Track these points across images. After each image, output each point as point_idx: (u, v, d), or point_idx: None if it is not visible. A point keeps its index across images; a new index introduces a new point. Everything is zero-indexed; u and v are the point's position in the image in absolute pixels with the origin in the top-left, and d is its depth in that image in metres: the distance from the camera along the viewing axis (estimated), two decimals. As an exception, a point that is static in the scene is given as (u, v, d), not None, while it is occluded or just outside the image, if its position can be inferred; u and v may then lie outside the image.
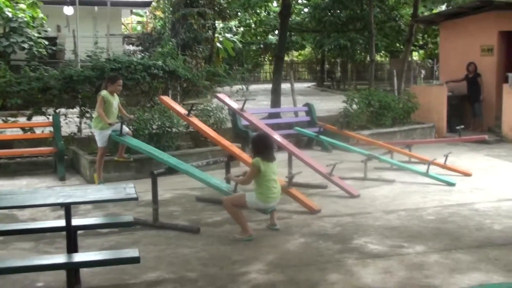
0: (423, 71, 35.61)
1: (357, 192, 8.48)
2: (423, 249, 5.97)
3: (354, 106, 13.40)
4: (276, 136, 8.88)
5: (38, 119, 11.57)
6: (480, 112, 14.86)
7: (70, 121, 11.69)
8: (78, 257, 4.28)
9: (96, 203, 7.67)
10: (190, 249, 6.15)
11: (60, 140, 10.40)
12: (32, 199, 4.42)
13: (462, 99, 15.19)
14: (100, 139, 8.14)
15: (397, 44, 34.34)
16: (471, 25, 15.22)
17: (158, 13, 28.37)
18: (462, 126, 11.86)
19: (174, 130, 10.78)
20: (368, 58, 37.55)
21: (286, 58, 46.84)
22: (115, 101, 8.11)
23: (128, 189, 4.66)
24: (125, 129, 8.23)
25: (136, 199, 4.55)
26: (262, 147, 6.52)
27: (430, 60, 38.81)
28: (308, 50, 47.09)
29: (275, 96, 14.78)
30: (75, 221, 4.96)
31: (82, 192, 4.55)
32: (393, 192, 8.74)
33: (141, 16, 35.82)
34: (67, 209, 4.33)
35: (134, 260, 4.28)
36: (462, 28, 15.46)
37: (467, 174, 9.81)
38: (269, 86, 32.14)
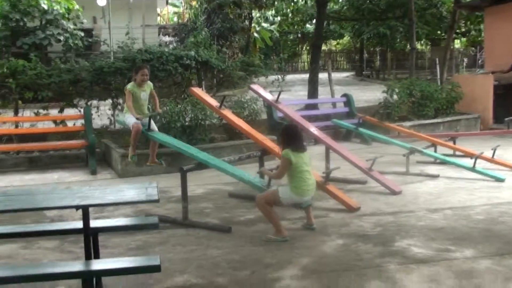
0: (465, 59, 34.61)
1: (398, 188, 8.00)
2: (473, 253, 5.48)
3: (395, 97, 12.82)
4: (313, 128, 8.45)
5: (69, 111, 11.38)
6: (528, 101, 14.13)
7: (102, 113, 11.46)
8: (95, 265, 3.94)
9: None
10: (220, 250, 5.78)
11: (91, 133, 10.17)
12: (46, 200, 4.10)
13: (509, 89, 14.45)
14: (129, 118, 7.63)
15: (438, 32, 33.42)
16: (518, 10, 14.49)
17: (194, 3, 28.05)
18: (511, 118, 11.20)
19: (207, 122, 10.44)
20: (408, 46, 37.07)
21: (323, 47, 46.20)
22: (144, 92, 7.69)
23: (150, 189, 4.30)
24: (152, 124, 7.82)
25: (157, 201, 4.20)
26: (291, 138, 6.15)
27: (473, 48, 37.70)
28: (346, 39, 46.32)
29: (312, 86, 14.35)
30: (95, 223, 4.64)
31: (101, 193, 4.21)
32: (437, 188, 8.23)
33: (177, 6, 35.62)
34: (85, 211, 4.00)
35: (155, 269, 3.93)
36: (509, 13, 14.70)
37: (517, 169, 9.22)
38: (306, 76, 31.69)
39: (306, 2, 35.93)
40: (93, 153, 9.96)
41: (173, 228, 6.60)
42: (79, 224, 4.45)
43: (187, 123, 10.25)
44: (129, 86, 7.58)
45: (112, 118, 11.55)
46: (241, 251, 5.73)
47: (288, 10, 36.79)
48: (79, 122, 10.87)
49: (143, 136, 8.23)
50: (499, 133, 11.44)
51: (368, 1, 31.00)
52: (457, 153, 10.47)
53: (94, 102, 11.44)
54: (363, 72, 35.78)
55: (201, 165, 6.85)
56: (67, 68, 10.85)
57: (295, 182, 6.06)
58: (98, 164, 10.18)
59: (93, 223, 4.57)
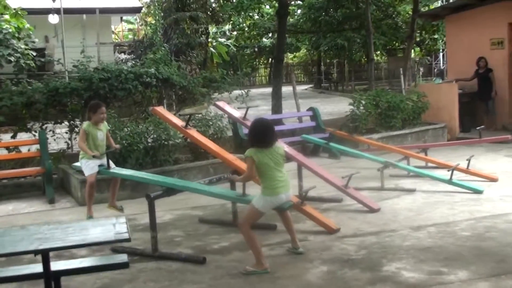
0: (421, 69, 34.89)
1: (376, 205, 7.65)
2: (467, 275, 5.12)
3: (361, 109, 12.54)
4: (284, 145, 8.03)
5: (23, 136, 10.73)
6: (493, 109, 14.06)
7: (58, 137, 10.82)
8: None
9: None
10: (196, 285, 5.29)
11: (47, 159, 9.53)
12: (-1, 245, 3.57)
13: (473, 97, 14.38)
14: (87, 167, 6.99)
15: (394, 42, 33.64)
16: (479, 18, 14.43)
17: (149, 19, 27.53)
18: (483, 127, 11.02)
19: (171, 142, 9.93)
20: (364, 57, 37.22)
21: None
22: (101, 131, 7.04)
23: (118, 225, 3.81)
24: (112, 163, 7.22)
25: (128, 240, 3.71)
26: (257, 134, 5.68)
27: (428, 57, 38.09)
28: (303, 52, 46.38)
29: (277, 100, 13.98)
30: (57, 265, 4.12)
31: (62, 233, 3.70)
32: (416, 203, 7.91)
33: (131, 23, 35.00)
34: (45, 256, 3.48)
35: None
36: (470, 21, 14.66)
37: (492, 179, 8.99)
38: (265, 90, 31.53)
39: (262, 16, 35.89)
40: (50, 180, 9.33)
41: (142, 261, 6.08)
42: (39, 267, 3.93)
43: (150, 144, 9.74)
44: (85, 125, 6.96)
45: (69, 142, 10.93)
46: (219, 285, 5.26)
47: (245, 24, 36.64)
48: (34, 148, 10.21)
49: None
50: (472, 143, 11.23)
51: (324, 14, 31.02)
52: (429, 164, 10.25)
53: (50, 125, 10.78)
54: (322, 85, 35.73)
55: (170, 191, 6.35)
56: (19, 90, 10.19)
57: (265, 182, 5.63)
58: (56, 192, 9.56)
59: (55, 265, 4.06)
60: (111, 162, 7.09)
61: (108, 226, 3.88)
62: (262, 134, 5.70)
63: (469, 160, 9.07)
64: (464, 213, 7.23)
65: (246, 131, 10.69)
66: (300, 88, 34.46)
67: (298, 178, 8.21)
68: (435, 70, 37.28)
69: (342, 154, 11.49)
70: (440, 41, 33.77)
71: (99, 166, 7.09)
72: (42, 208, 8.99)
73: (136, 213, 8.22)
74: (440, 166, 9.80)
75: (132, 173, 6.94)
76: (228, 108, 8.81)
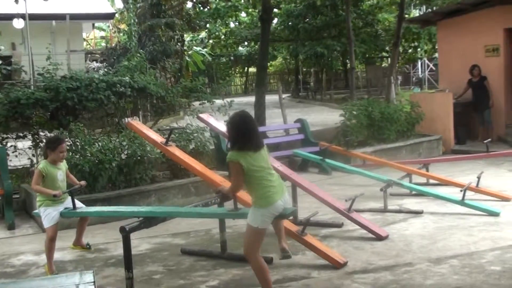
0: (399, 77, 34.27)
1: (384, 232, 6.72)
2: (515, 327, 4.22)
3: (353, 120, 11.64)
4: (277, 164, 7.05)
5: (-20, 153, 9.58)
6: (490, 120, 13.29)
7: (21, 153, 9.69)
8: None
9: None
10: None
11: (7, 179, 8.40)
12: None
13: (468, 107, 13.59)
14: (46, 218, 5.82)
15: (374, 51, 33.02)
16: (473, 23, 13.67)
17: (123, 26, 26.39)
18: (490, 140, 10.18)
19: (147, 158, 8.89)
20: (341, 66, 36.57)
21: (255, 70, 45.30)
22: (60, 170, 5.89)
23: (83, 286, 2.79)
24: (78, 203, 6.04)
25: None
26: (239, 133, 4.64)
27: (407, 66, 37.58)
28: (279, 60, 45.58)
29: (260, 111, 13.02)
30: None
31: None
32: (427, 228, 7.00)
33: (104, 30, 33.80)
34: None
35: None
36: (463, 26, 13.89)
37: (505, 198, 8.14)
38: (242, 99, 30.53)
39: (239, 24, 35.00)
40: (10, 203, 8.21)
41: (115, 308, 5.06)
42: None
43: (123, 161, 8.71)
44: (41, 165, 5.73)
45: (33, 159, 9.80)
46: None
47: (221, 32, 35.68)
48: (-7, 165, 9.07)
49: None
50: (480, 157, 10.34)
51: (303, 21, 30.26)
52: (430, 181, 9.40)
53: (11, 139, 9.65)
54: (300, 94, 34.89)
55: (149, 221, 5.33)
56: (-26, 102, 9.07)
57: (256, 192, 4.64)
58: (17, 215, 8.48)
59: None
60: (77, 201, 5.95)
61: (70, 286, 2.86)
62: (250, 132, 4.67)
63: (479, 177, 8.19)
64: (486, 241, 6.34)
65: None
66: (276, 97, 33.69)
67: (293, 200, 7.24)
68: (414, 79, 36.79)
69: (333, 169, 10.60)
70: (420, 49, 33.28)
71: (64, 208, 5.92)
72: (0, 235, 7.89)
73: (108, 241, 7.20)
74: (444, 183, 8.94)
75: (101, 210, 5.93)
76: (212, 121, 7.83)
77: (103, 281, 5.72)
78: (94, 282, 2.93)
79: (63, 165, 5.97)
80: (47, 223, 5.79)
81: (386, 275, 5.44)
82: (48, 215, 5.77)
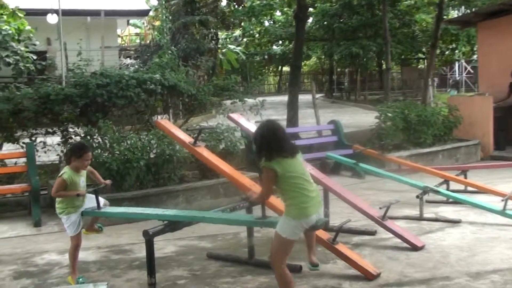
0: (436, 79, 33.63)
1: (420, 242, 6.39)
2: None
3: (388, 123, 11.28)
4: (309, 167, 6.79)
5: (10, 148, 9.55)
6: (531, 125, 12.81)
7: (50, 149, 9.60)
8: None
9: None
10: None
11: (35, 175, 8.32)
12: None
13: (508, 111, 13.11)
14: (68, 226, 5.60)
15: (411, 52, 32.44)
16: (516, 25, 13.22)
17: (157, 23, 26.37)
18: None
19: (176, 157, 8.71)
20: (379, 66, 36.02)
21: (289, 69, 44.94)
22: (82, 177, 5.64)
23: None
24: (101, 199, 5.80)
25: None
26: (270, 140, 4.38)
27: (444, 68, 36.87)
28: (313, 60, 45.20)
29: (293, 111, 12.74)
30: None
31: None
32: (465, 239, 6.64)
33: (139, 27, 33.90)
34: None
35: None
36: (505, 28, 13.42)
37: (550, 209, 7.71)
38: (274, 98, 30.30)
39: (274, 23, 34.75)
40: (37, 199, 8.12)
41: (136, 314, 4.87)
42: None
43: (152, 160, 8.54)
44: (66, 175, 5.42)
45: (62, 155, 9.71)
46: None
47: (255, 31, 35.51)
48: (22, 161, 9.00)
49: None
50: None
51: (338, 21, 29.89)
52: (468, 188, 9.01)
53: (40, 135, 9.58)
54: (333, 94, 34.48)
55: (174, 225, 5.12)
56: (5, 96, 8.98)
57: (291, 200, 4.37)
58: (44, 212, 8.35)
59: None
60: (101, 199, 5.73)
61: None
62: (280, 138, 4.43)
63: (521, 186, 7.80)
64: (530, 255, 5.98)
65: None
66: (310, 97, 33.41)
67: (325, 206, 6.95)
68: (450, 81, 36.11)
69: (367, 173, 10.28)
70: (458, 51, 32.61)
71: (85, 209, 5.70)
72: (26, 232, 7.80)
73: (133, 242, 7.03)
74: (483, 191, 8.56)
75: (125, 211, 5.69)
76: (243, 121, 7.60)
77: (126, 285, 5.54)
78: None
79: (85, 171, 5.74)
80: (72, 231, 5.55)
81: (422, 289, 5.13)
82: (73, 223, 5.54)
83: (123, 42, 31.81)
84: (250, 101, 11.27)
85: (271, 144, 4.36)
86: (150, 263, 4.87)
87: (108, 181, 5.93)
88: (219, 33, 28.84)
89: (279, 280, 4.45)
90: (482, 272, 5.52)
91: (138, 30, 34.57)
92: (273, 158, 4.31)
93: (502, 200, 7.17)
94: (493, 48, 13.74)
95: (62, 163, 9.57)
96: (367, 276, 5.41)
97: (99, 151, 8.38)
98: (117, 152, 8.32)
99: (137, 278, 5.73)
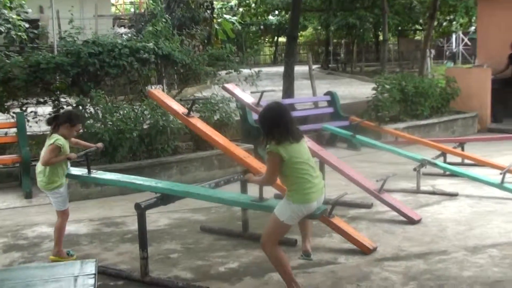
0: (432, 51, 33.34)
1: (417, 215, 6.31)
2: None
3: (385, 95, 11.12)
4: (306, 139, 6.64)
5: (0, 118, 9.38)
6: (529, 98, 12.68)
7: (41, 119, 9.42)
8: None
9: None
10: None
11: (25, 146, 8.15)
12: None
13: (506, 83, 12.95)
14: (58, 201, 5.37)
15: (408, 23, 32.12)
16: (516, -4, 13.00)
17: (152, -9, 25.90)
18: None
19: (170, 128, 8.54)
20: (375, 37, 35.70)
21: (285, 40, 44.54)
22: (68, 144, 5.39)
23: (81, 279, 2.46)
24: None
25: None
26: (276, 123, 4.22)
27: (440, 39, 36.56)
28: (309, 31, 44.71)
29: (288, 82, 12.55)
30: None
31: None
32: (463, 213, 6.56)
33: (133, -5, 33.40)
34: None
35: None
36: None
37: (548, 183, 7.63)
38: (270, 69, 30.07)
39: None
40: (28, 170, 7.96)
41: (128, 287, 4.76)
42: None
43: (145, 131, 8.39)
44: (61, 141, 5.19)
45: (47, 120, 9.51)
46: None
47: (251, 0, 35.00)
48: (13, 131, 8.83)
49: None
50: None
51: (335, -9, 29.50)
52: (466, 161, 8.91)
53: (32, 105, 9.38)
54: (329, 65, 34.19)
55: (166, 198, 5.00)
56: (-6, 64, 8.78)
57: (295, 185, 4.22)
58: (35, 183, 8.19)
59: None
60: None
61: (67, 280, 2.52)
62: (286, 121, 4.27)
63: (519, 159, 7.70)
64: (527, 229, 5.90)
65: (256, 117, 9.36)
66: (307, 68, 33.13)
67: (321, 178, 6.83)
68: (447, 53, 35.83)
69: (362, 145, 10.16)
70: (456, 22, 32.26)
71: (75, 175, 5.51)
72: (16, 204, 7.68)
73: (126, 214, 6.92)
74: (481, 164, 8.46)
75: (117, 178, 5.50)
76: (238, 92, 7.43)
77: (118, 258, 5.44)
78: (95, 274, 2.59)
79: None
80: (61, 205, 5.37)
81: (419, 263, 5.04)
82: (62, 196, 5.38)
83: (117, 11, 31.34)
84: (245, 71, 11.08)
85: (280, 128, 4.20)
86: (143, 237, 4.74)
87: (99, 144, 5.79)
88: (215, 2, 28.38)
89: (273, 261, 4.34)
90: (480, 246, 5.44)
91: (132, -1, 34.05)
92: (281, 142, 4.16)
93: (501, 173, 7.07)
94: (493, 20, 13.51)
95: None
96: (364, 250, 5.33)
97: (91, 121, 8.22)
98: (110, 123, 8.17)
99: (129, 252, 5.63)
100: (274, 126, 4.23)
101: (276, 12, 37.87)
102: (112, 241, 6.00)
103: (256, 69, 10.86)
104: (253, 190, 5.22)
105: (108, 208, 7.36)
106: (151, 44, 9.68)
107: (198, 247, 5.71)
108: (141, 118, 8.51)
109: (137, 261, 5.01)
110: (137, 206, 4.74)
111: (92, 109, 8.53)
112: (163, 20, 10.79)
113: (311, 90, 13.12)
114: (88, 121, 8.18)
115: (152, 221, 6.43)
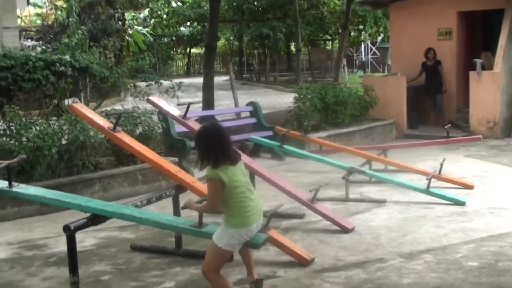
0: (344, 60, 34.18)
1: (350, 224, 6.31)
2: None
3: (307, 104, 11.19)
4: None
5: None
6: (442, 104, 13.14)
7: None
8: None
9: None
10: None
11: None
12: None
13: (420, 91, 13.39)
14: None
15: (319, 34, 32.77)
16: (426, 6, 13.47)
17: (60, 2, 25.13)
18: (449, 125, 9.93)
19: (90, 143, 8.18)
20: (287, 48, 36.22)
21: (197, 51, 44.39)
22: None
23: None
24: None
25: None
26: (214, 146, 4.07)
27: (350, 49, 37.55)
28: (221, 42, 44.80)
29: (209, 94, 12.42)
30: None
31: None
32: (393, 219, 6.63)
33: (40, 7, 32.28)
34: None
35: None
36: (416, 9, 13.66)
37: (468, 186, 7.88)
38: (184, 80, 29.68)
39: (182, 3, 34.06)
40: None
41: (58, 317, 4.45)
42: None
43: (64, 147, 7.99)
44: None
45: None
46: None
47: (163, 11, 34.62)
48: None
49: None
50: (441, 143, 9.96)
51: (248, 2, 29.71)
52: (388, 167, 9.07)
53: None
54: (243, 76, 34.33)
55: (97, 218, 4.71)
56: None
57: (234, 210, 4.09)
58: None
59: None
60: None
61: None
62: (224, 143, 4.14)
63: (442, 164, 7.90)
64: (457, 233, 6.01)
65: (179, 129, 9.18)
66: (220, 78, 32.99)
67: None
68: (357, 62, 36.84)
69: (286, 154, 10.17)
70: (364, 32, 33.24)
71: None
72: None
73: (47, 236, 6.53)
74: (405, 169, 8.63)
75: (43, 194, 5.12)
76: (163, 104, 7.23)
77: (44, 284, 5.10)
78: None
79: None
80: None
81: (358, 273, 5.02)
82: None
83: (23, 23, 30.14)
84: (166, 83, 10.85)
85: (217, 150, 4.05)
86: (73, 261, 4.45)
87: (23, 156, 5.44)
88: (126, 13, 27.87)
89: (214, 287, 4.18)
90: (415, 252, 5.49)
91: (39, 11, 32.89)
92: (219, 165, 4.00)
93: (427, 179, 7.22)
94: (405, 29, 13.96)
95: None
96: (302, 262, 5.25)
97: (5, 138, 7.75)
98: (25, 140, 7.72)
99: (55, 276, 5.29)
100: (211, 149, 4.08)
101: (188, 23, 37.72)
102: (36, 265, 5.62)
103: (177, 81, 10.64)
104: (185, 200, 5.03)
105: (27, 230, 6.92)
106: (67, 56, 9.28)
107: (130, 267, 5.44)
108: (60, 134, 8.11)
109: (66, 286, 4.71)
110: (66, 228, 4.43)
111: (5, 126, 8.05)
112: (79, 32, 10.39)
113: (230, 101, 13.05)
114: (1, 139, 7.72)
115: (78, 241, 5.95)
